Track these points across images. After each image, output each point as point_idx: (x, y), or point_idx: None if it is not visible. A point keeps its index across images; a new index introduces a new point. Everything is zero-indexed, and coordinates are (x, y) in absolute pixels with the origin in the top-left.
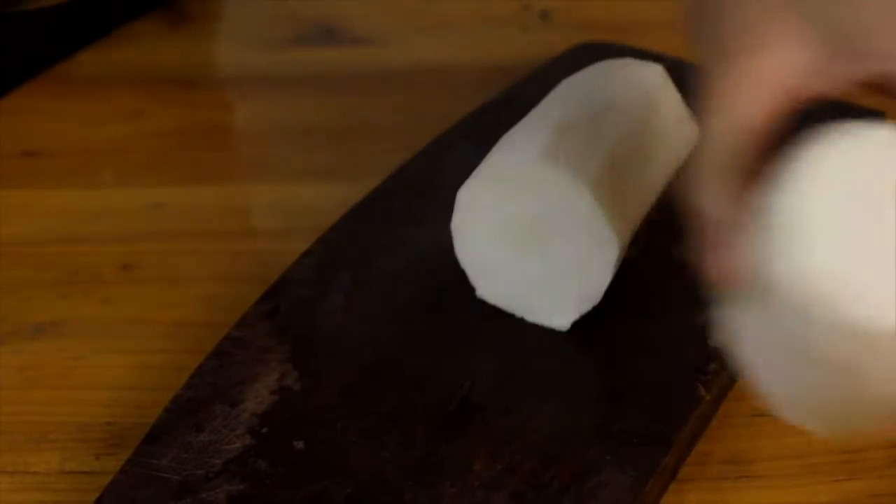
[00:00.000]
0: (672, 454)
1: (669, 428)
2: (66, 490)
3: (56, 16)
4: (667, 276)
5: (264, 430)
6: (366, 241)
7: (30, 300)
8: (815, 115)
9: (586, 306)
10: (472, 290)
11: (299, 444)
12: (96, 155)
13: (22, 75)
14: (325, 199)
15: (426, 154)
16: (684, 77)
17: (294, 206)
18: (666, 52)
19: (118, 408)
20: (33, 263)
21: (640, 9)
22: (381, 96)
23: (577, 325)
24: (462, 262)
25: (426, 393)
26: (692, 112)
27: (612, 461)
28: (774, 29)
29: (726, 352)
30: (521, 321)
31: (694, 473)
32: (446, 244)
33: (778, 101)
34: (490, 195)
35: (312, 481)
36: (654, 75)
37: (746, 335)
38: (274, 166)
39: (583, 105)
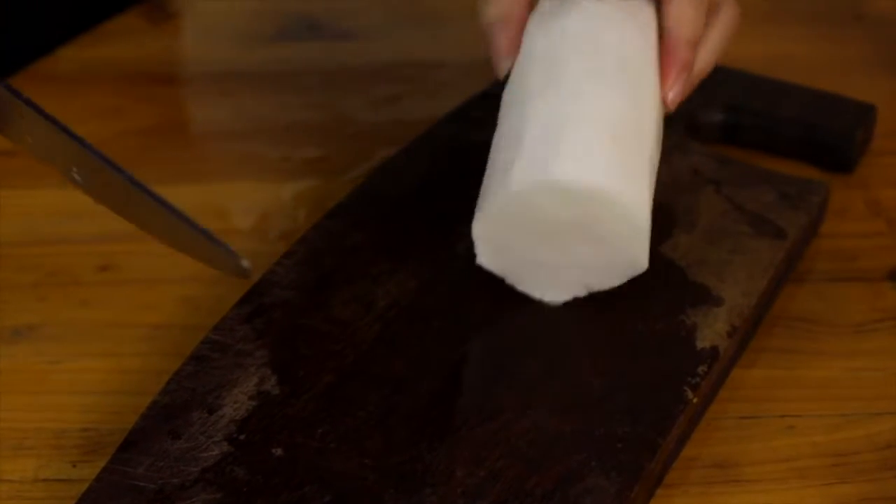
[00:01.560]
0: (658, 459)
1: (655, 432)
2: (41, 499)
3: (36, 11)
4: (652, 273)
5: (242, 436)
6: (347, 241)
7: (7, 303)
8: None
9: (584, 293)
10: (455, 292)
11: (278, 451)
12: None
13: (1, 72)
14: (307, 197)
15: (410, 150)
16: None
17: (275, 205)
18: None
19: (96, 413)
20: (11, 265)
21: None
22: (366, 92)
23: (561, 327)
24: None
25: (408, 397)
26: None
27: (596, 466)
28: None
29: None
30: (506, 325)
31: (680, 478)
32: (431, 244)
33: None
34: (529, 207)
35: (291, 489)
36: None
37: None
38: (256, 164)
39: (587, 63)
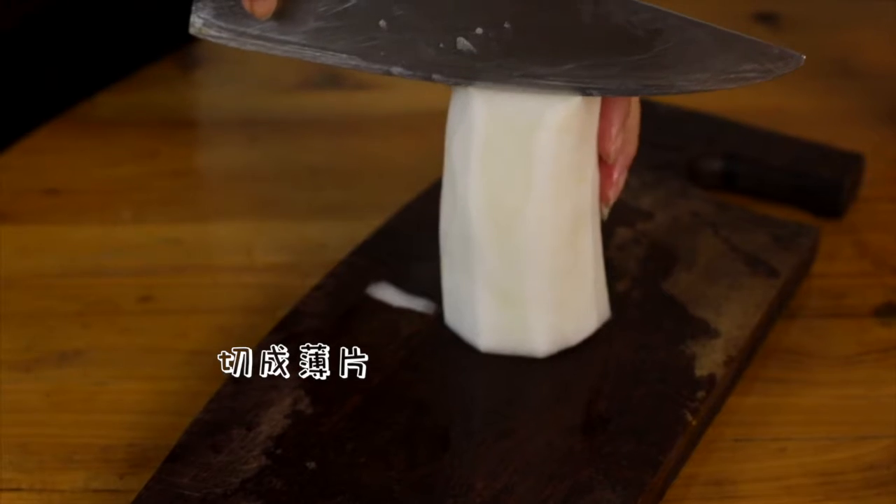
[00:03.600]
0: (659, 475)
1: (657, 450)
2: None
3: (76, 58)
4: (655, 307)
5: (279, 451)
6: (373, 275)
7: (54, 329)
8: None
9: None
10: None
11: (311, 465)
12: (115, 193)
13: (44, 116)
14: (332, 236)
15: (430, 193)
16: None
17: (302, 243)
18: None
19: (139, 431)
20: (57, 295)
21: None
22: (385, 138)
23: (572, 355)
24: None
25: (430, 417)
26: None
27: (603, 481)
28: None
29: None
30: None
31: (680, 494)
32: None
33: None
34: None
35: (325, 498)
36: None
37: None
38: (283, 204)
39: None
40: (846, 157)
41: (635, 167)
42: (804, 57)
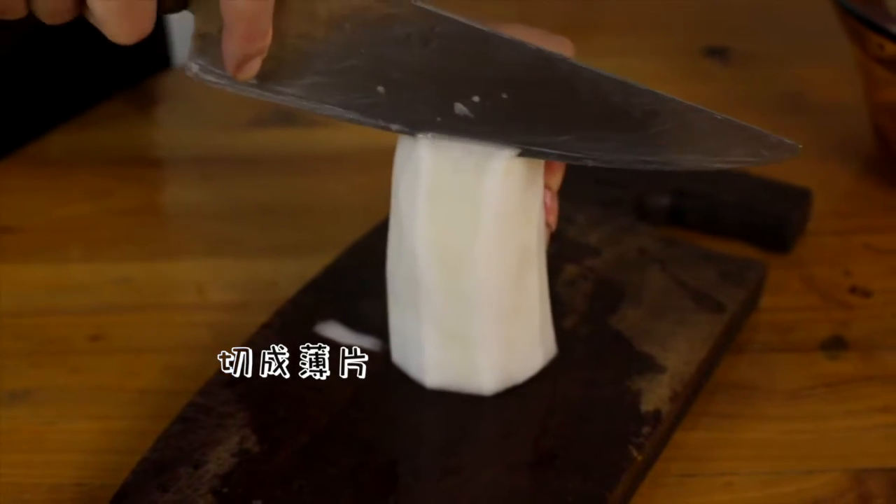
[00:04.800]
0: None
1: (603, 487)
2: None
3: (27, 97)
4: (602, 343)
5: (225, 489)
6: (321, 314)
7: (5, 369)
8: None
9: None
10: None
11: (258, 503)
12: (66, 232)
13: None
14: (284, 273)
15: (378, 230)
16: None
17: (253, 281)
18: None
19: (87, 470)
20: (8, 334)
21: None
22: (337, 175)
23: (517, 392)
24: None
25: (377, 455)
26: None
27: None
28: None
29: None
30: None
31: None
32: None
33: None
34: None
35: None
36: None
37: None
38: (235, 242)
39: None
40: (794, 191)
41: (583, 204)
42: (800, 146)
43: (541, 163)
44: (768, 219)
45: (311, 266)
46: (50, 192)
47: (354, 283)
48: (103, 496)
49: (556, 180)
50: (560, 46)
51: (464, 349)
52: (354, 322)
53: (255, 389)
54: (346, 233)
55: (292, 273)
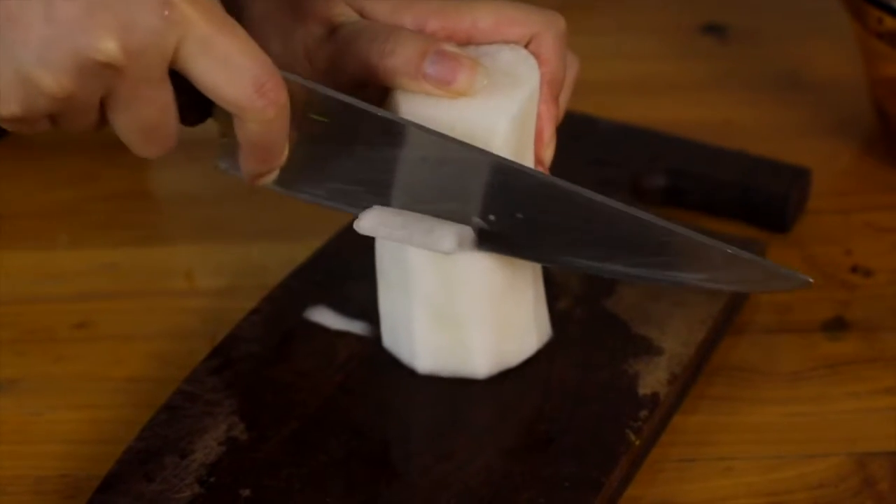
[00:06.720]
0: (602, 497)
1: (599, 472)
2: None
3: None
4: (597, 326)
5: (212, 479)
6: (310, 298)
7: None
8: None
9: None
10: None
11: (246, 493)
12: (51, 217)
13: None
14: (273, 258)
15: None
16: None
17: (242, 266)
18: None
19: (73, 461)
20: None
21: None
22: None
23: (511, 376)
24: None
25: (368, 441)
26: None
27: None
28: None
29: None
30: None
31: None
32: None
33: None
34: None
35: None
36: None
37: None
38: (223, 227)
39: None
40: (793, 170)
41: (577, 184)
42: (811, 280)
43: (530, 139)
44: (766, 198)
45: (300, 250)
46: (35, 176)
47: (344, 268)
48: (89, 487)
49: (549, 153)
50: (551, 22)
51: (455, 331)
52: (344, 306)
53: (242, 376)
54: (335, 217)
55: (282, 257)
